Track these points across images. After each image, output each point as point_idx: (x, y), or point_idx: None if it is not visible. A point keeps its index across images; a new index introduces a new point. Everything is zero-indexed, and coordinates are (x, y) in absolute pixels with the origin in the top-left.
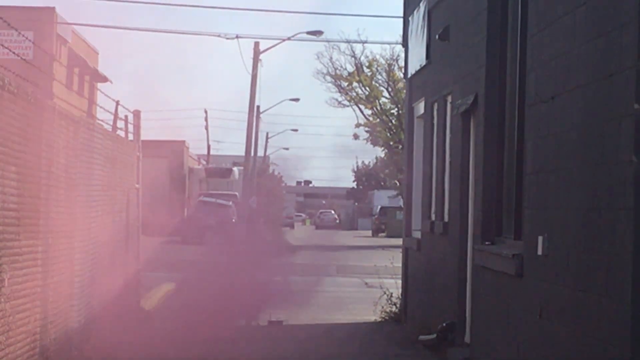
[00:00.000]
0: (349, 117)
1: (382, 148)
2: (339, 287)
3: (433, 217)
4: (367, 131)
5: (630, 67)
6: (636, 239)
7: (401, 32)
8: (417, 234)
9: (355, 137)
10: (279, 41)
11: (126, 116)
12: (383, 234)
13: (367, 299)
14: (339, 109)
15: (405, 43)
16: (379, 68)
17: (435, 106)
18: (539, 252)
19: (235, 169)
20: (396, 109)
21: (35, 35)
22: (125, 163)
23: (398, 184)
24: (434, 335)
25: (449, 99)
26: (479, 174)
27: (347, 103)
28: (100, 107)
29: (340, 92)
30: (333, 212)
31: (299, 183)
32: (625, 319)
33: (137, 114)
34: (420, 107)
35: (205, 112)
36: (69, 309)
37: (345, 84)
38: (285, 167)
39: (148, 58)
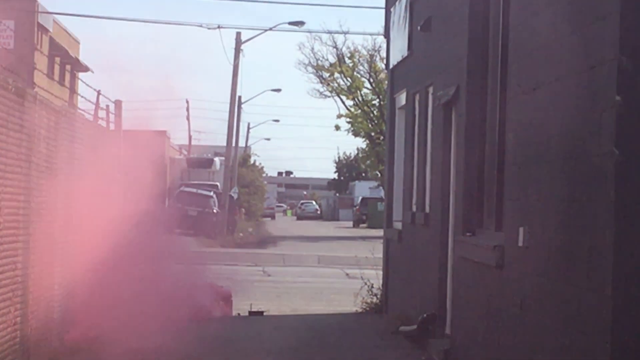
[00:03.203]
0: (330, 108)
1: (364, 139)
2: (320, 277)
3: (414, 208)
4: (348, 122)
5: (611, 60)
6: (617, 230)
7: (383, 23)
8: (399, 225)
9: (337, 128)
10: (260, 31)
11: (107, 106)
12: (364, 225)
13: (348, 289)
14: (321, 100)
15: (387, 34)
16: (360, 59)
17: (417, 97)
18: (520, 243)
19: (216, 159)
20: (378, 100)
21: (16, 25)
22: (106, 153)
23: (379, 175)
24: (415, 326)
25: (431, 90)
26: (460, 165)
27: (329, 94)
28: (82, 96)
29: (321, 82)
30: (314, 202)
31: (280, 173)
32: (606, 311)
33: (118, 104)
34: (402, 98)
35: (187, 102)
36: (50, 299)
37: (327, 74)
38: (267, 158)
39: (129, 48)
